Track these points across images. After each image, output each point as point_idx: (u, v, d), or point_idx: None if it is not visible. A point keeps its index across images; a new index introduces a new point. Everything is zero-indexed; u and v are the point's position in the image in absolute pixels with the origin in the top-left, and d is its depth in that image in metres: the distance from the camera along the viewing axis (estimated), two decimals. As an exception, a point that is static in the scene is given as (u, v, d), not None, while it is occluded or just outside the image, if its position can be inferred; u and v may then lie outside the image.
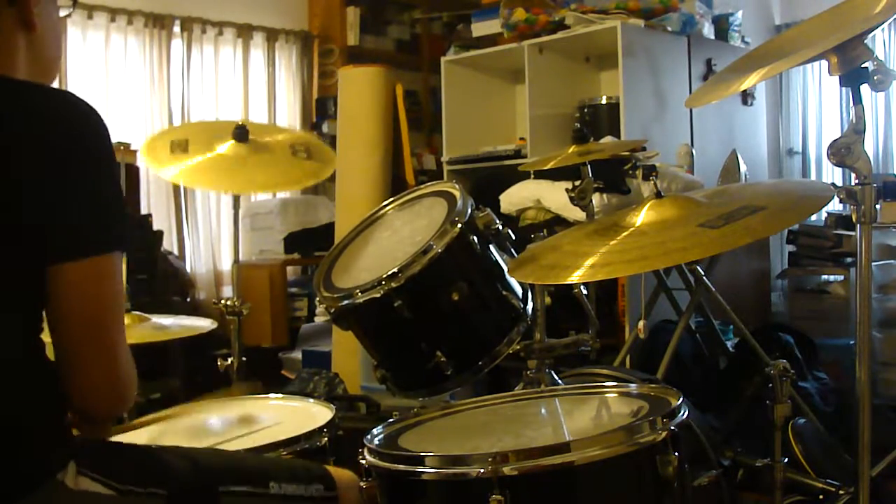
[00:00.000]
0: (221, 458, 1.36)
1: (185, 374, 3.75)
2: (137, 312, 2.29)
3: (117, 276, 1.15)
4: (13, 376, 1.11)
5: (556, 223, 3.34)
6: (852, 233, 3.87)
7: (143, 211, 4.31)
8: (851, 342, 3.58)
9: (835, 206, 3.60)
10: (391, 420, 1.52)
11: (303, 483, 1.31)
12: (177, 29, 4.55)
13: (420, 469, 1.24)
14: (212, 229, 4.69)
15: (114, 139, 1.20)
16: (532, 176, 3.51)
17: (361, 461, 1.32)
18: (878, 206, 1.28)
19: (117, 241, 1.16)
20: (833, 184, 1.43)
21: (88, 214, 1.13)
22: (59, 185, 1.11)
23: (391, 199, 1.95)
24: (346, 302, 1.66)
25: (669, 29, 3.82)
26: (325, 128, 4.99)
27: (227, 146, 2.28)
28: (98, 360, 1.15)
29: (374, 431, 1.44)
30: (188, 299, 4.41)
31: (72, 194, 1.11)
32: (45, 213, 1.10)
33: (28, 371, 1.14)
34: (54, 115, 1.13)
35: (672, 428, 1.24)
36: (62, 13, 1.31)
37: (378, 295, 1.61)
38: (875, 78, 1.25)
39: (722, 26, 4.20)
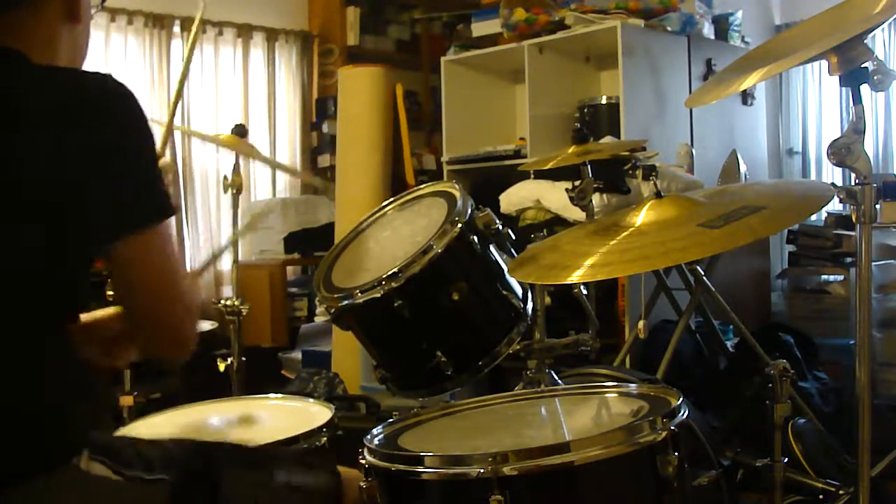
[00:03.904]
0: (226, 447, 1.38)
1: (185, 374, 3.75)
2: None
3: (169, 244, 1.20)
4: (39, 366, 1.13)
5: (556, 223, 3.33)
6: (852, 233, 3.86)
7: (143, 211, 4.31)
8: (851, 342, 3.58)
9: (835, 206, 3.59)
10: (391, 420, 1.52)
11: (307, 472, 1.32)
12: (177, 29, 4.54)
13: (420, 469, 1.24)
14: (212, 229, 4.68)
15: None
16: (532, 176, 3.51)
17: (361, 461, 1.32)
18: (878, 206, 1.28)
19: (161, 210, 1.18)
20: (833, 184, 1.43)
21: (130, 191, 1.15)
22: (100, 167, 1.12)
23: (391, 199, 1.95)
24: (346, 302, 1.66)
25: (669, 29, 3.82)
26: (325, 128, 4.99)
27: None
28: (169, 322, 1.22)
29: (374, 431, 1.44)
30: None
31: (112, 174, 1.13)
32: (83, 195, 1.11)
33: (53, 359, 1.15)
34: (91, 99, 1.15)
35: (672, 428, 1.24)
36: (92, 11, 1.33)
37: (378, 295, 1.61)
38: (875, 78, 1.25)
39: (722, 26, 4.20)
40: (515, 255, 1.72)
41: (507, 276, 1.72)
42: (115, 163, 1.13)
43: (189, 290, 1.24)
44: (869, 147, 1.30)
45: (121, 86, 1.17)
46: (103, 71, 1.18)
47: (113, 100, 1.16)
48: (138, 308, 1.21)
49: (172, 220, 1.20)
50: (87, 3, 1.28)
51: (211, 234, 4.68)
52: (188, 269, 1.26)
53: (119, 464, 1.17)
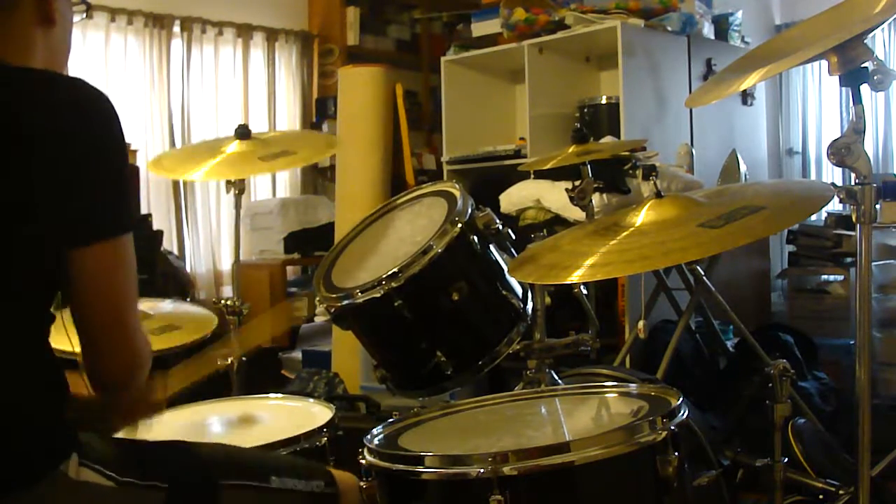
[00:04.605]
0: (222, 452, 1.37)
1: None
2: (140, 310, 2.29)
3: (130, 259, 1.18)
4: (17, 368, 1.12)
5: (556, 223, 3.33)
6: (852, 233, 3.86)
7: (143, 211, 4.30)
8: (851, 342, 3.58)
9: (835, 206, 3.59)
10: (391, 420, 1.52)
11: (303, 479, 1.32)
12: (177, 29, 4.55)
13: (420, 469, 1.24)
14: (212, 229, 4.68)
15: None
16: (532, 176, 3.51)
17: (361, 461, 1.32)
18: (878, 206, 1.27)
19: (129, 224, 1.19)
20: (833, 184, 1.43)
21: (104, 199, 1.15)
22: (73, 172, 1.11)
23: (391, 199, 1.95)
24: (346, 302, 1.66)
25: (669, 29, 3.82)
26: (325, 128, 4.99)
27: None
28: (119, 340, 1.19)
29: (374, 431, 1.44)
30: (188, 299, 4.41)
31: (86, 180, 1.13)
32: (59, 200, 1.11)
33: (32, 363, 1.14)
34: (65, 101, 1.14)
35: (672, 428, 1.24)
36: (75, 18, 1.32)
37: (378, 295, 1.61)
38: (875, 78, 1.25)
39: (722, 26, 4.20)
40: (515, 255, 1.72)
41: (507, 276, 1.72)
42: (83, 169, 1.12)
43: (137, 310, 1.22)
44: (869, 147, 1.30)
45: (96, 91, 1.16)
46: (79, 76, 1.18)
47: (86, 105, 1.15)
48: (90, 321, 1.17)
49: (130, 240, 1.18)
50: (63, 6, 1.26)
51: (211, 233, 4.68)
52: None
53: (112, 469, 1.14)
